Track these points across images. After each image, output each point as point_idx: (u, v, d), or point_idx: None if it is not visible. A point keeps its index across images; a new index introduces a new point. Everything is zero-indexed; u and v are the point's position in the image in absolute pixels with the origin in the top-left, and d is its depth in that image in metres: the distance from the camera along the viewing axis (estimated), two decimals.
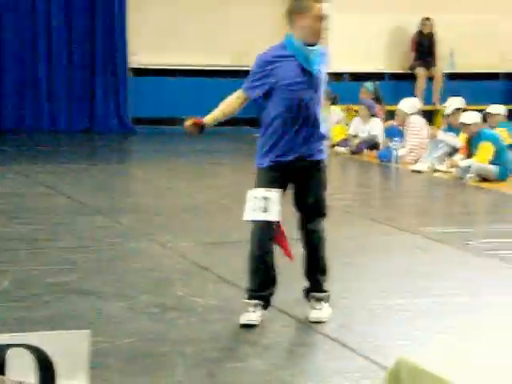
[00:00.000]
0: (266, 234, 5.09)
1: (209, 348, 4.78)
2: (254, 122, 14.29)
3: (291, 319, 5.29)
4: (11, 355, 2.22)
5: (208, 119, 5.16)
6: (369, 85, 13.08)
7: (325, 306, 5.26)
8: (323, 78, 5.17)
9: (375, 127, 12.36)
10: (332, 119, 12.81)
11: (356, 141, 12.38)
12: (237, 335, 5.02)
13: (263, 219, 5.05)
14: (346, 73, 14.59)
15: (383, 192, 10.45)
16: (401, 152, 11.69)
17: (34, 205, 8.22)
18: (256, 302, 5.15)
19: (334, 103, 13.07)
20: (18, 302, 5.38)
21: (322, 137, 5.17)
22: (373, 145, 12.24)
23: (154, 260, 6.49)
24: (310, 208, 5.17)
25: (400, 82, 14.72)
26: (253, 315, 5.13)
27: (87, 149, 12.20)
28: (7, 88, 13.21)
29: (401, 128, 12.01)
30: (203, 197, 8.94)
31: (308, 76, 5.07)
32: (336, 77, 14.57)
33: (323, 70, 5.17)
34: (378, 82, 13.68)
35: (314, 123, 5.11)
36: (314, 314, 5.21)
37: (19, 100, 13.26)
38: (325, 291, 5.26)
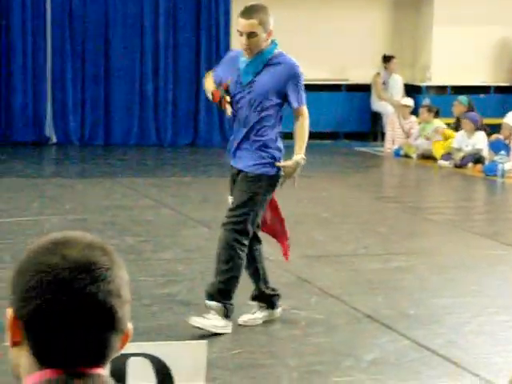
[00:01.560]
0: None
1: (313, 361, 4.79)
2: (353, 136, 14.23)
3: (396, 334, 5.25)
4: (131, 364, 2.26)
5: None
6: (462, 98, 12.87)
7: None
8: (264, 89, 5.26)
9: (480, 141, 12.15)
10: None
11: (460, 154, 12.19)
12: (341, 349, 5.01)
13: None
14: (449, 86, 14.39)
15: (489, 206, 10.25)
16: (507, 166, 11.45)
17: (141, 217, 8.38)
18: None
19: (436, 117, 12.91)
20: None
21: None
22: (477, 158, 12.03)
23: None
24: None
25: (506, 95, 14.41)
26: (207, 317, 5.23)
27: (191, 163, 12.37)
28: (115, 104, 13.54)
29: (507, 142, 11.76)
30: (303, 210, 8.95)
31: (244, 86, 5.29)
32: (439, 90, 14.38)
33: (264, 80, 5.26)
34: (482, 95, 13.41)
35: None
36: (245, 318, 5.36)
37: (127, 116, 13.58)
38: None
